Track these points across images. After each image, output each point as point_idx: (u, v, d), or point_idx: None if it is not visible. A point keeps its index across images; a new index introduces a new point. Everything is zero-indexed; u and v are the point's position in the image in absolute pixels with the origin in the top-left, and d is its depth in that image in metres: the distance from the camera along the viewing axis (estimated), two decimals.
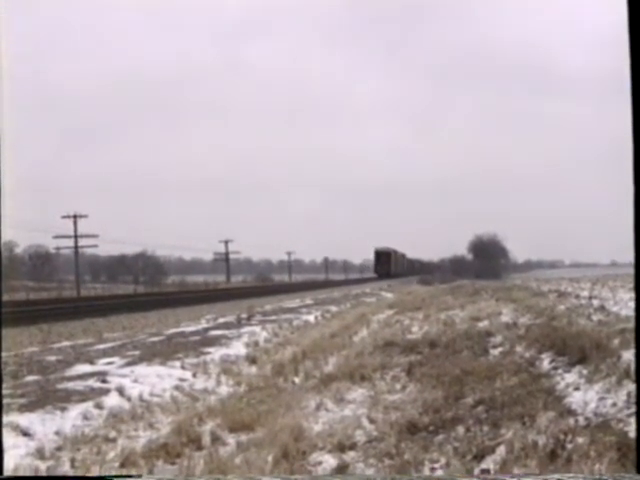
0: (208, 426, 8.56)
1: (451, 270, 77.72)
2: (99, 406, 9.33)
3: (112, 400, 9.71)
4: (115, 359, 13.11)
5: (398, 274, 62.30)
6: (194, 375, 12.03)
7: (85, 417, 8.88)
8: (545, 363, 11.81)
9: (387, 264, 63.39)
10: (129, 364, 12.52)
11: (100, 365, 12.46)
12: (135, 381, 11.00)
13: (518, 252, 80.00)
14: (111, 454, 7.49)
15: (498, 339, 15.37)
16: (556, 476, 5.90)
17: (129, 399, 9.91)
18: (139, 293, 46.04)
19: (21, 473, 6.87)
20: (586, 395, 9.01)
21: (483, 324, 18.82)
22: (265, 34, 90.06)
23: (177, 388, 10.98)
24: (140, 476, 6.80)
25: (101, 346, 15.31)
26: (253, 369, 13.15)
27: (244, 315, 23.27)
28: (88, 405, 9.31)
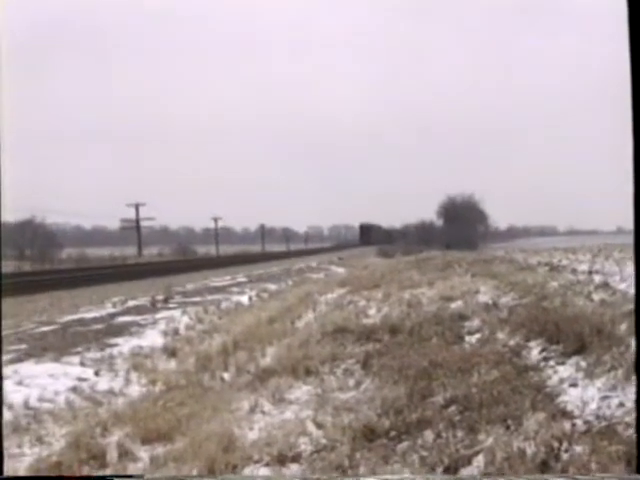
0: (114, 437, 8.50)
1: (417, 239, 78.35)
2: None
3: None
4: None
5: (376, 242, 78.37)
6: (97, 373, 11.99)
7: None
8: (533, 353, 11.94)
9: (368, 235, 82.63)
10: (11, 362, 12.35)
11: None
12: (19, 383, 10.87)
13: (500, 217, 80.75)
14: None
15: (475, 323, 15.51)
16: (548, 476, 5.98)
17: (10, 407, 9.73)
18: (25, 272, 45.21)
19: None
20: (585, 393, 9.09)
21: (456, 305, 18.98)
22: None
23: (74, 390, 10.90)
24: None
25: None
26: (172, 364, 13.10)
27: (160, 297, 23.20)
28: None
